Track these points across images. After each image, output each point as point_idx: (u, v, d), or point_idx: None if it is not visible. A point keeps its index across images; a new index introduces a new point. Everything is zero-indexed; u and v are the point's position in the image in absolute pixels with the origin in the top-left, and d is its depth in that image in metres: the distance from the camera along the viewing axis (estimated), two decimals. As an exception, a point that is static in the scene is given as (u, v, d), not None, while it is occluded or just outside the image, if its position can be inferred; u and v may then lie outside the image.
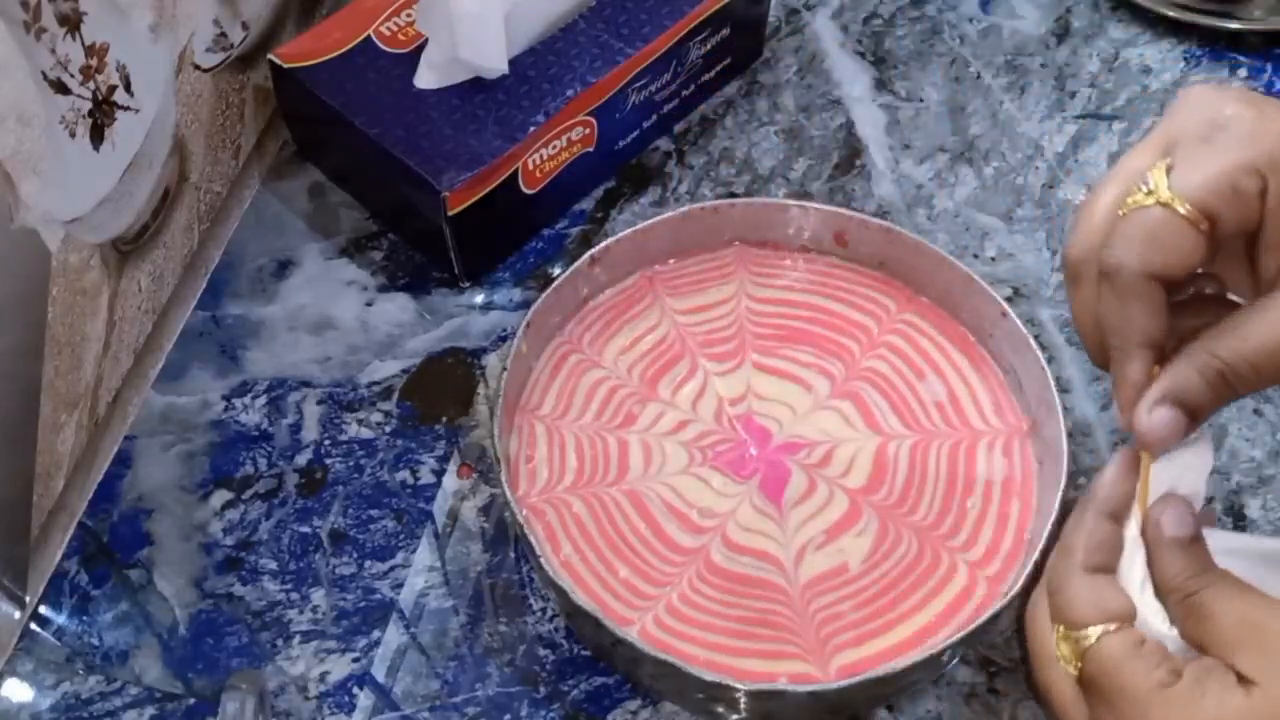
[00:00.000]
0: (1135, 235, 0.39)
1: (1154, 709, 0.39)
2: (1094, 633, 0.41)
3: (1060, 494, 0.55)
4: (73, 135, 0.56)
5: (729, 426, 0.62)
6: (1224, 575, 0.41)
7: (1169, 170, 0.39)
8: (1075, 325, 0.44)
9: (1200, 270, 0.41)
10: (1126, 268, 0.40)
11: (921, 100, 0.78)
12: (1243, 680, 0.39)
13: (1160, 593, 0.42)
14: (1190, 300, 0.43)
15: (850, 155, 0.75)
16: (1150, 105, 0.77)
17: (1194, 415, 0.41)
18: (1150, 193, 0.39)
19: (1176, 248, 0.39)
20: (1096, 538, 0.43)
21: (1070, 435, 0.57)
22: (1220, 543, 0.43)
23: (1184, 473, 0.43)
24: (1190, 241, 0.39)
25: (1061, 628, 0.43)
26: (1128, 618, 0.41)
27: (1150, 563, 0.42)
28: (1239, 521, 0.61)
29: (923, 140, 0.76)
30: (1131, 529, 0.44)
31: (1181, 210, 0.38)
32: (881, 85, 0.79)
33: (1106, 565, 0.43)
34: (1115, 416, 0.64)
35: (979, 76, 0.79)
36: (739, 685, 0.52)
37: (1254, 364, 0.40)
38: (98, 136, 0.58)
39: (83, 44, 0.56)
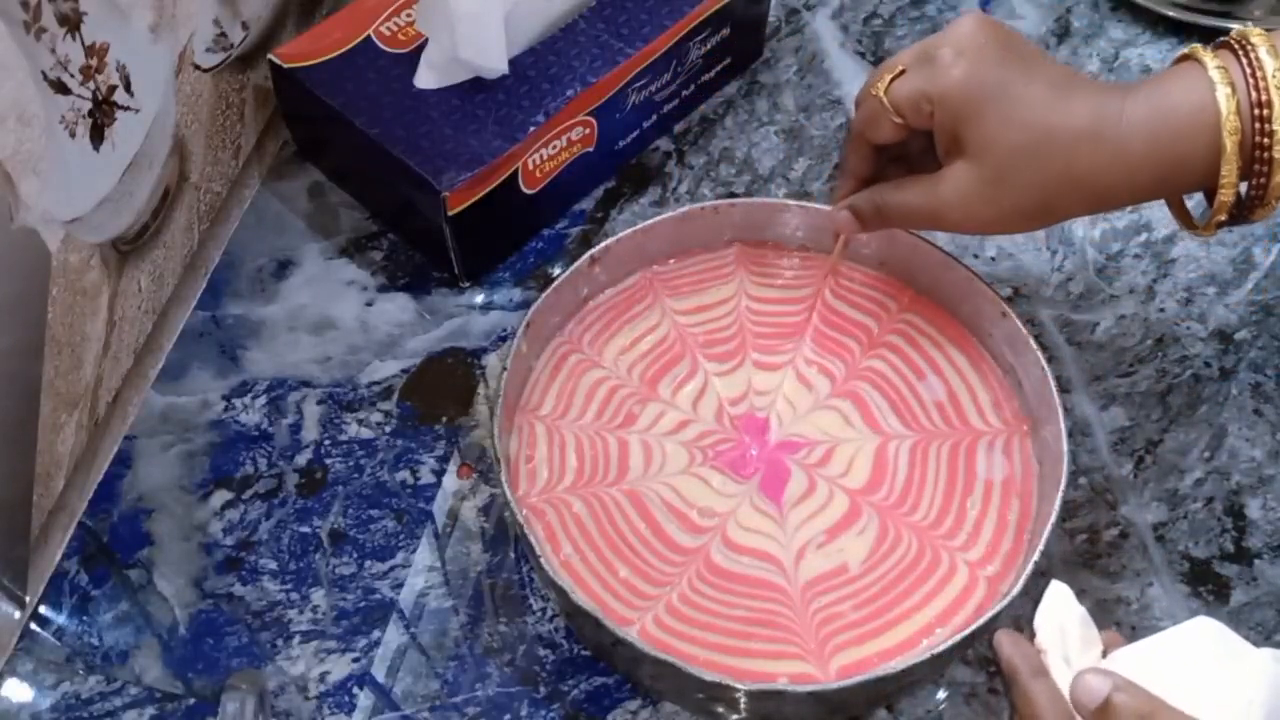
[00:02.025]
0: (861, 112, 0.58)
1: None
2: None
3: (1060, 494, 0.55)
4: (73, 135, 0.56)
5: (729, 426, 0.62)
6: (1162, 705, 0.44)
7: (898, 75, 0.56)
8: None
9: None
10: (854, 129, 0.60)
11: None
12: None
13: None
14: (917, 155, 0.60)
15: (850, 155, 0.75)
16: (1150, 105, 0.77)
17: (861, 221, 0.61)
18: (880, 89, 0.57)
19: (879, 126, 0.58)
20: (1050, 696, 0.47)
21: (1070, 435, 0.57)
22: (1128, 660, 0.46)
23: (1060, 617, 0.49)
24: (888, 125, 0.57)
25: None
26: None
27: None
28: (1239, 521, 0.61)
29: (923, 140, 0.76)
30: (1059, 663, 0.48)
31: (886, 105, 0.56)
32: (881, 85, 0.79)
33: None
34: (1115, 416, 0.64)
35: (979, 76, 0.79)
36: (739, 685, 0.52)
37: (896, 211, 0.59)
38: (98, 136, 0.58)
39: (83, 44, 0.56)
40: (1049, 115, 0.53)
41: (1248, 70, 0.51)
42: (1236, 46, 0.52)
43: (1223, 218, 0.53)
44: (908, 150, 0.59)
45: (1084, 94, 0.53)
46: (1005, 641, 0.48)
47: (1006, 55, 0.54)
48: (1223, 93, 0.51)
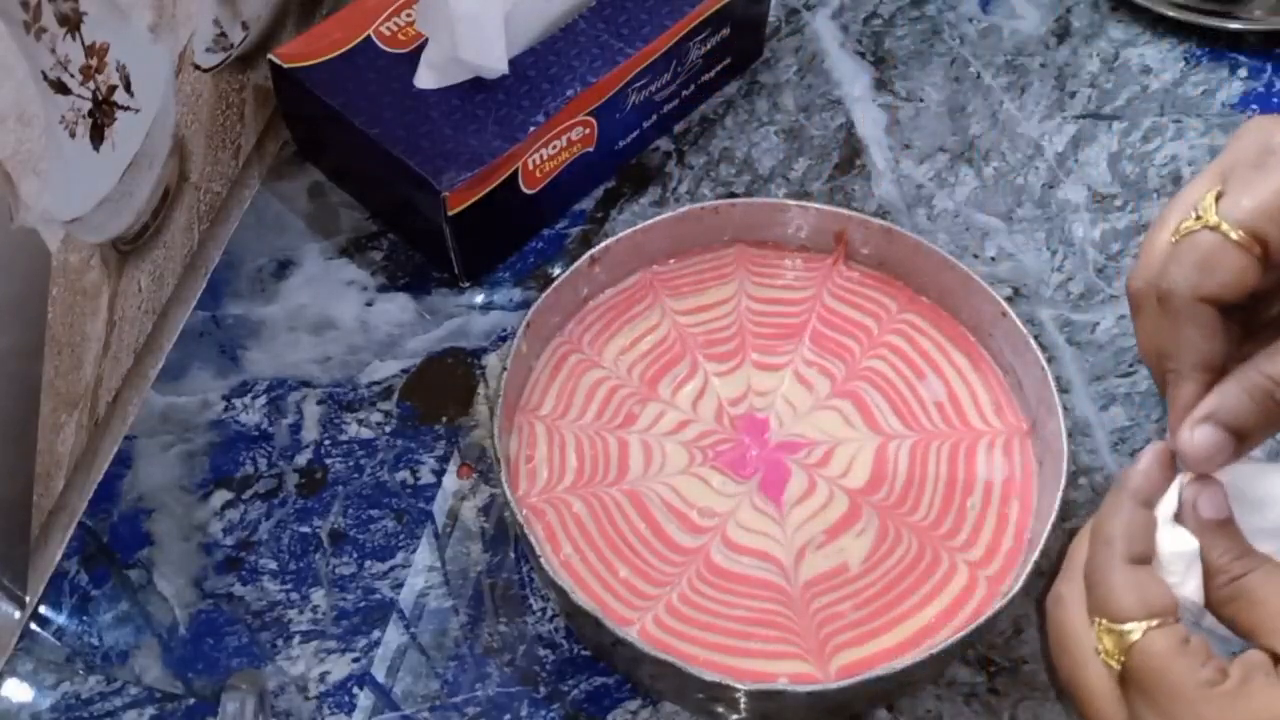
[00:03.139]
0: (1185, 260, 0.40)
1: (1201, 707, 0.39)
2: (1138, 628, 0.40)
3: (1060, 494, 0.55)
4: (73, 135, 0.56)
5: (729, 426, 0.62)
6: (1267, 559, 0.41)
7: (1219, 197, 0.40)
8: (1141, 355, 0.44)
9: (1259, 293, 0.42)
10: (1178, 292, 0.40)
11: (921, 100, 0.78)
12: None
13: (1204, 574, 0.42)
14: (1268, 324, 0.43)
15: (850, 155, 0.75)
16: (1150, 105, 0.77)
17: (1240, 436, 0.41)
18: (1199, 218, 0.40)
19: (1226, 271, 0.39)
20: (1136, 526, 0.42)
21: (1070, 435, 0.57)
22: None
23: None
24: (1239, 264, 0.39)
25: (1104, 621, 0.41)
26: (1171, 612, 0.41)
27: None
28: (1239, 521, 0.61)
29: (923, 140, 0.76)
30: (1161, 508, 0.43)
31: (1231, 235, 0.39)
32: (881, 85, 0.79)
33: (1146, 555, 0.42)
34: (1115, 416, 0.64)
35: (979, 76, 0.79)
36: (739, 685, 0.52)
37: None
38: (98, 136, 0.58)
39: (83, 44, 0.56)
40: None
41: None
42: None
43: None
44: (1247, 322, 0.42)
45: None
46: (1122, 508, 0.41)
47: None
48: None
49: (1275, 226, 0.39)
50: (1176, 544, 0.42)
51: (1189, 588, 0.42)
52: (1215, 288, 0.40)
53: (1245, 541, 0.42)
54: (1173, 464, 0.43)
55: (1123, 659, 0.41)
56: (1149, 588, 0.41)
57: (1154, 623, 0.40)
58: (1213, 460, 0.41)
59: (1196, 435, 0.41)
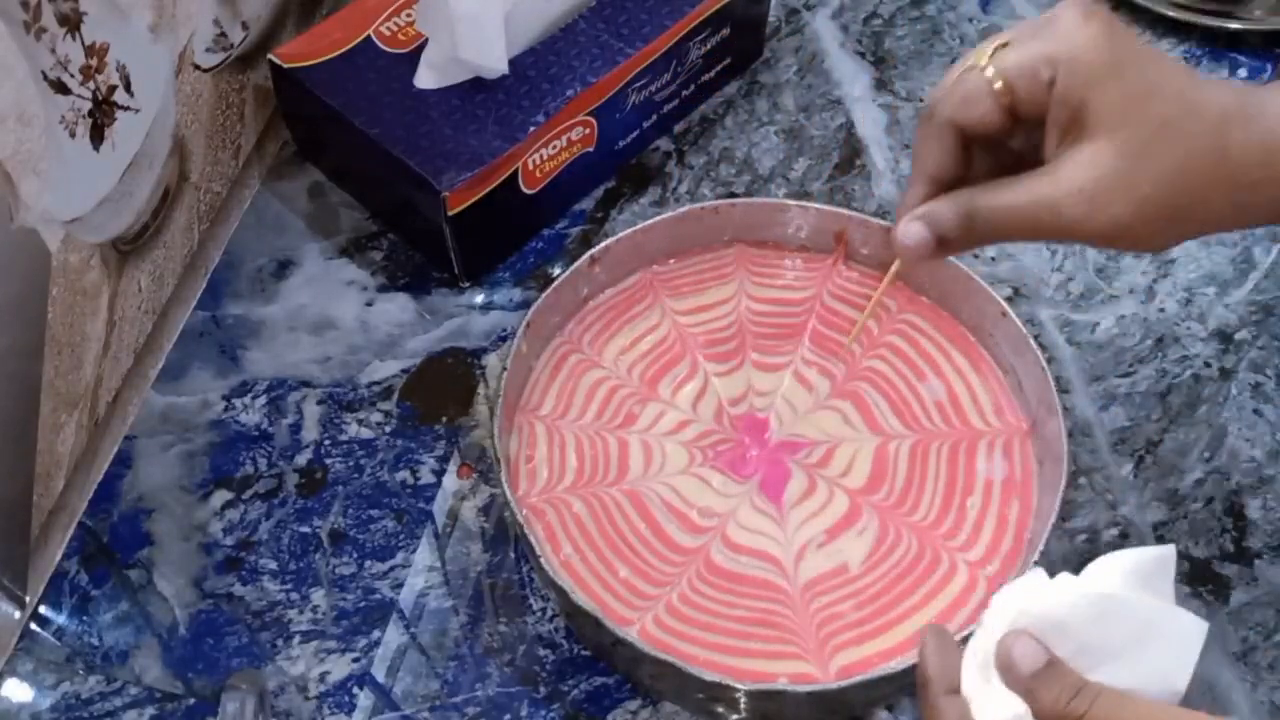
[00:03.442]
0: (955, 91, 0.48)
1: None
2: None
3: (1060, 494, 0.55)
4: (73, 135, 0.56)
5: (729, 426, 0.62)
6: (1100, 687, 0.40)
7: (1002, 45, 0.47)
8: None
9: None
10: (937, 112, 0.49)
11: (921, 100, 0.78)
12: None
13: None
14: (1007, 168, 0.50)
15: (850, 155, 0.75)
16: (1150, 105, 0.77)
17: (941, 242, 0.49)
18: (980, 63, 0.48)
19: (977, 108, 0.48)
20: (956, 714, 0.42)
21: (1070, 435, 0.57)
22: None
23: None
24: (988, 104, 0.47)
25: None
26: None
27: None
28: (1239, 521, 0.61)
29: (923, 140, 0.76)
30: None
31: (989, 76, 0.47)
32: (881, 85, 0.79)
33: None
34: (1115, 416, 0.64)
35: (979, 76, 0.79)
36: (739, 685, 0.52)
37: (994, 217, 0.48)
38: (98, 136, 0.58)
39: (83, 44, 0.56)
40: (1192, 90, 0.46)
41: None
42: None
43: None
44: (994, 159, 0.49)
45: (1219, 82, 0.49)
46: (930, 647, 0.44)
47: (1131, 33, 0.47)
48: None
49: (1024, 83, 0.46)
50: (999, 715, 0.41)
51: None
52: (964, 117, 0.48)
53: (1074, 676, 0.40)
54: (950, 640, 0.44)
55: None
56: None
57: None
58: (917, 252, 0.49)
59: (910, 228, 0.49)
